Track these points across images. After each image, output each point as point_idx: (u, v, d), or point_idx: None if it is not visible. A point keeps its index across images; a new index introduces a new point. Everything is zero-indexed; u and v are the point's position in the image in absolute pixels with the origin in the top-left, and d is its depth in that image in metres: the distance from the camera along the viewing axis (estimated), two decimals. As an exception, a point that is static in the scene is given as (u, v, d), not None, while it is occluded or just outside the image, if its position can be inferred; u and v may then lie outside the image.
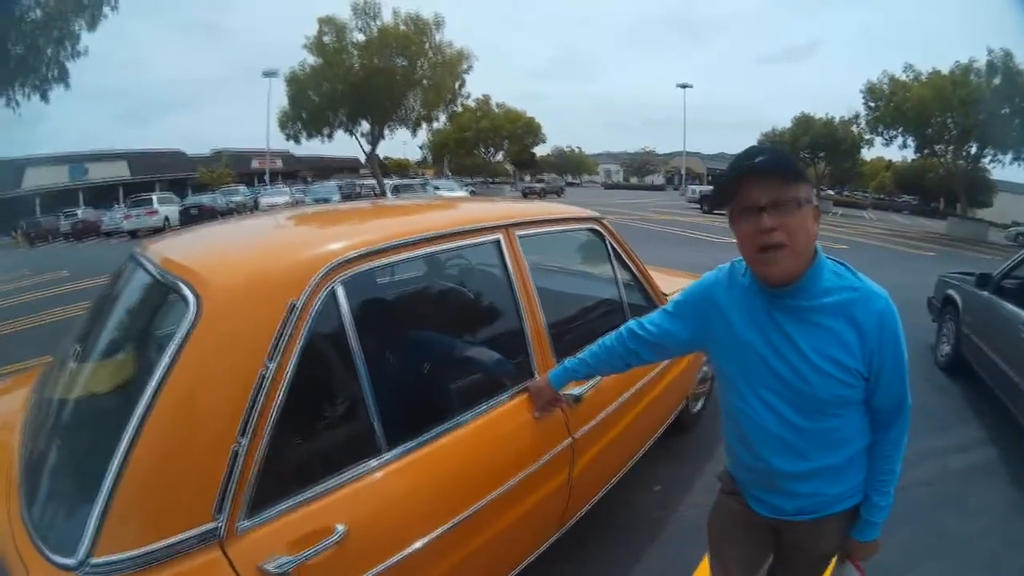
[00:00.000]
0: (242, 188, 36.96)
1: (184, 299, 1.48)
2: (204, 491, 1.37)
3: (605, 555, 2.77)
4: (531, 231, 2.41)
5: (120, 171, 43.38)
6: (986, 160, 30.09)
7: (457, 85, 38.81)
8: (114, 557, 1.27)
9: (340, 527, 1.48)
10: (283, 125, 37.26)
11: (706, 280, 1.64)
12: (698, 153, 62.55)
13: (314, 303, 1.60)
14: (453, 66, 37.47)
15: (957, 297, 5.51)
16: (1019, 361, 3.92)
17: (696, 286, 1.66)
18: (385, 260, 1.85)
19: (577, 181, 57.69)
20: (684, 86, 53.74)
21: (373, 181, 38.61)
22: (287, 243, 2.03)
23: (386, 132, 38.86)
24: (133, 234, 24.73)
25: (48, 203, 35.28)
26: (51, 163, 38.75)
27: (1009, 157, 28.31)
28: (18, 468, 1.73)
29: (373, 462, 1.67)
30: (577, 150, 60.84)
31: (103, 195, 38.41)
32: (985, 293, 4.87)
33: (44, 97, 21.78)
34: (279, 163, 48.85)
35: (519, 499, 2.01)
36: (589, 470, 2.37)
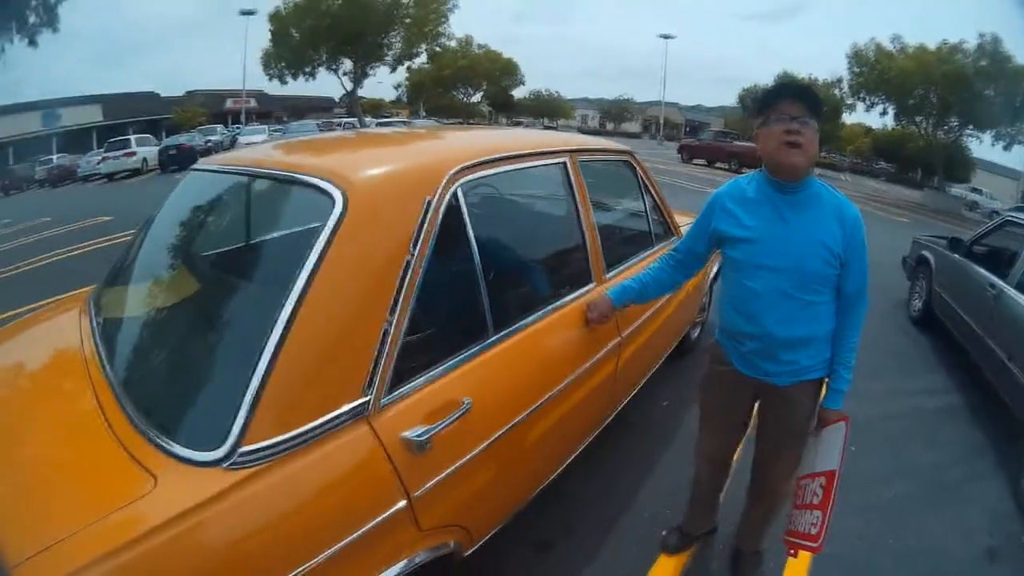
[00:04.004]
0: (219, 127, 35.92)
1: (328, 195, 1.62)
2: (356, 368, 1.54)
3: (628, 452, 3.31)
4: (586, 158, 2.78)
5: (94, 115, 41.54)
6: (966, 136, 30.56)
7: (438, 24, 38.14)
8: (265, 442, 1.38)
9: (467, 400, 1.76)
10: (267, 64, 36.34)
11: (712, 197, 2.11)
12: (676, 104, 62.03)
13: (444, 201, 1.82)
14: (435, 4, 36.79)
15: (931, 258, 5.92)
16: (984, 318, 4.35)
17: (705, 208, 2.14)
18: (493, 170, 2.13)
19: (554, 125, 57.18)
20: (666, 37, 52.88)
21: (348, 120, 37.75)
22: (412, 151, 2.31)
23: (368, 71, 38.18)
24: (110, 176, 24.31)
25: (21, 151, 33.92)
26: (22, 110, 36.76)
27: (988, 136, 28.86)
28: (111, 384, 1.74)
29: (485, 343, 1.96)
30: (556, 94, 59.84)
31: (77, 140, 36.63)
32: (957, 256, 5.29)
33: (32, 42, 21.02)
34: (253, 103, 47.54)
35: (585, 381, 2.41)
36: (627, 366, 2.82)
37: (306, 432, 1.45)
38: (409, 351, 1.67)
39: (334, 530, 1.46)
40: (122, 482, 1.35)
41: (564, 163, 2.61)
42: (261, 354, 1.41)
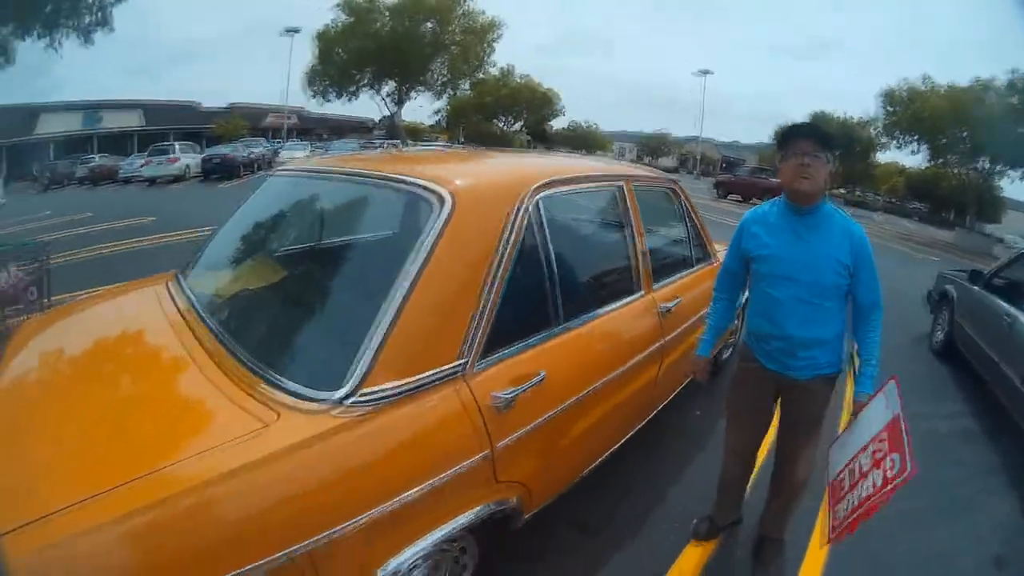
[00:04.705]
0: (262, 141, 36.53)
1: (440, 196, 1.99)
2: (458, 334, 1.90)
3: (664, 454, 3.59)
4: (640, 184, 3.16)
5: (134, 120, 42.76)
6: (996, 175, 30.50)
7: (484, 53, 39.12)
8: (382, 387, 1.70)
9: (542, 372, 2.11)
10: (311, 82, 37.29)
11: (741, 222, 2.47)
12: (712, 139, 62.04)
13: (527, 209, 2.21)
14: (483, 33, 37.78)
15: (952, 291, 6.10)
16: (1001, 347, 4.56)
17: (735, 232, 2.49)
18: (566, 188, 2.54)
19: (591, 157, 57.18)
20: (704, 72, 53.15)
21: (390, 142, 38.05)
22: (501, 168, 2.73)
23: (412, 95, 39.07)
24: (152, 181, 24.71)
25: (61, 149, 35.00)
26: (65, 110, 38.17)
27: (1020, 173, 28.80)
28: (225, 341, 2.05)
29: (556, 329, 2.32)
30: (594, 126, 59.71)
31: (116, 143, 37.95)
32: (976, 288, 5.47)
33: (88, 40, 21.62)
34: (294, 119, 48.62)
35: (633, 374, 2.76)
36: (668, 368, 3.15)
37: (415, 382, 1.78)
38: (497, 327, 2.01)
39: (430, 468, 1.78)
40: (249, 416, 1.63)
41: (621, 187, 3.00)
42: (384, 315, 1.76)
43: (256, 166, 28.61)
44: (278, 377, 1.76)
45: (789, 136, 2.19)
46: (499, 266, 2.02)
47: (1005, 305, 4.72)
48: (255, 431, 1.56)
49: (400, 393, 1.74)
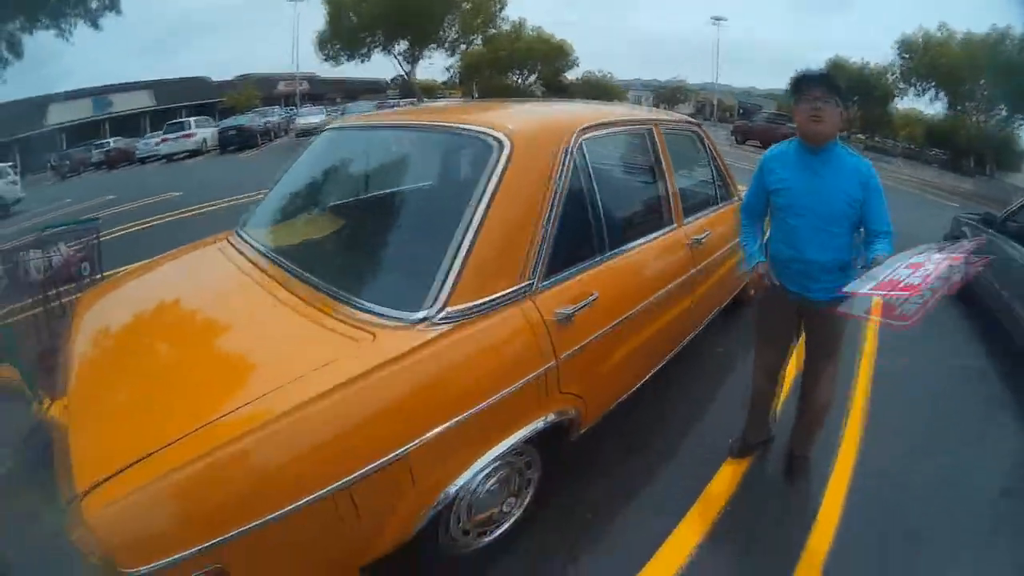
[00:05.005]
0: (276, 109, 36.50)
1: (499, 140, 2.26)
2: (523, 259, 2.18)
3: (691, 387, 3.87)
4: (666, 128, 3.40)
5: (145, 100, 42.76)
6: (1015, 125, 30.06)
7: (496, 9, 38.86)
8: (464, 305, 1.99)
9: (595, 293, 2.40)
10: (321, 46, 37.03)
11: (762, 160, 2.70)
12: (728, 87, 60.83)
13: (573, 149, 2.49)
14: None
15: (968, 233, 6.20)
16: (1013, 288, 4.78)
17: (757, 169, 2.71)
18: (604, 131, 2.82)
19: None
20: (717, 19, 52.48)
21: (406, 100, 37.77)
22: (547, 115, 2.96)
23: (425, 53, 38.78)
24: (169, 157, 24.74)
25: (73, 137, 34.95)
26: (73, 98, 38.40)
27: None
28: (309, 279, 2.30)
29: (603, 256, 2.60)
30: (608, 75, 58.53)
31: (129, 125, 37.98)
32: (990, 230, 5.61)
33: (96, 25, 21.39)
34: (305, 85, 48.24)
35: (671, 301, 3.05)
36: (699, 300, 3.43)
37: (491, 300, 2.07)
38: (554, 253, 2.29)
39: (507, 376, 2.08)
40: (350, 338, 1.90)
41: (651, 130, 3.24)
42: (460, 244, 2.04)
43: (272, 134, 28.55)
44: (367, 303, 2.03)
45: (801, 83, 2.40)
46: (553, 200, 2.29)
47: (1017, 247, 4.89)
48: (360, 347, 1.84)
49: (479, 310, 2.03)
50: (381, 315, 1.97)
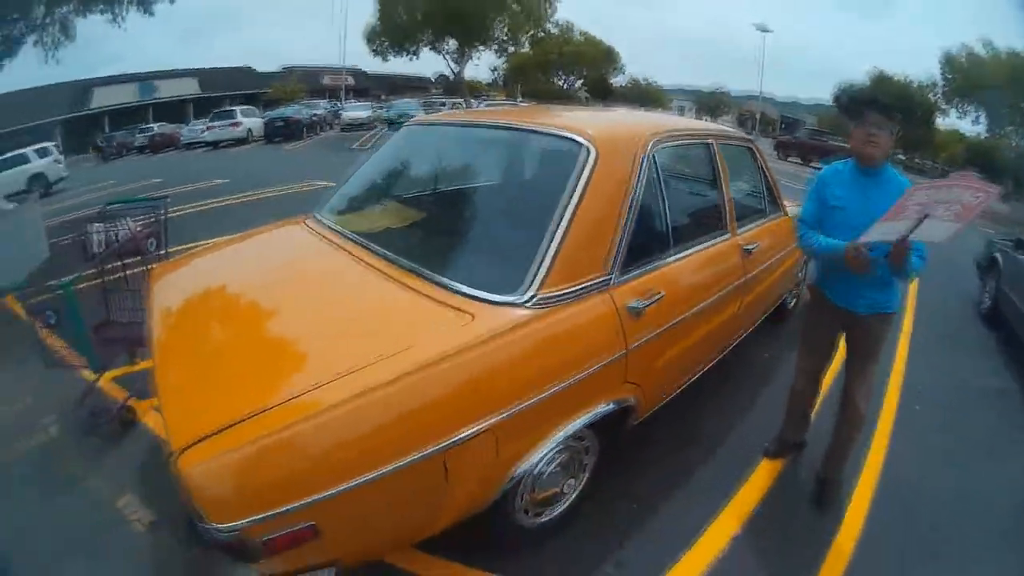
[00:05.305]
0: (322, 103, 37.36)
1: (584, 146, 2.50)
2: (605, 253, 2.40)
3: (736, 389, 4.14)
4: (724, 142, 3.62)
5: (190, 88, 43.24)
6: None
7: (547, 9, 38.86)
8: (555, 291, 2.21)
9: (662, 291, 2.62)
10: (370, 40, 37.26)
11: (819, 177, 2.88)
12: (772, 98, 59.71)
13: (646, 157, 2.70)
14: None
15: (999, 258, 6.26)
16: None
17: (815, 185, 2.87)
18: (673, 142, 3.02)
19: (653, 116, 55.22)
20: (763, 30, 50.74)
21: (454, 100, 38.36)
22: (624, 123, 3.24)
23: (473, 54, 38.79)
24: (215, 145, 25.19)
25: (117, 121, 35.58)
26: (119, 82, 38.80)
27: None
28: (402, 259, 2.48)
29: (669, 257, 2.84)
30: (653, 83, 57.62)
31: (173, 112, 38.14)
32: (1021, 255, 5.73)
33: (149, 11, 21.65)
34: (350, 80, 48.68)
35: (724, 305, 3.26)
36: (747, 307, 3.65)
37: (577, 289, 2.30)
38: (630, 251, 2.51)
39: (587, 358, 2.29)
40: (453, 315, 2.10)
41: (711, 143, 3.46)
42: (553, 235, 2.28)
43: (318, 128, 28.91)
44: (467, 287, 2.22)
45: (862, 106, 2.62)
46: (630, 201, 2.52)
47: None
48: (464, 323, 2.05)
49: (567, 297, 2.26)
50: (479, 297, 2.17)
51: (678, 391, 3.21)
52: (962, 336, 5.92)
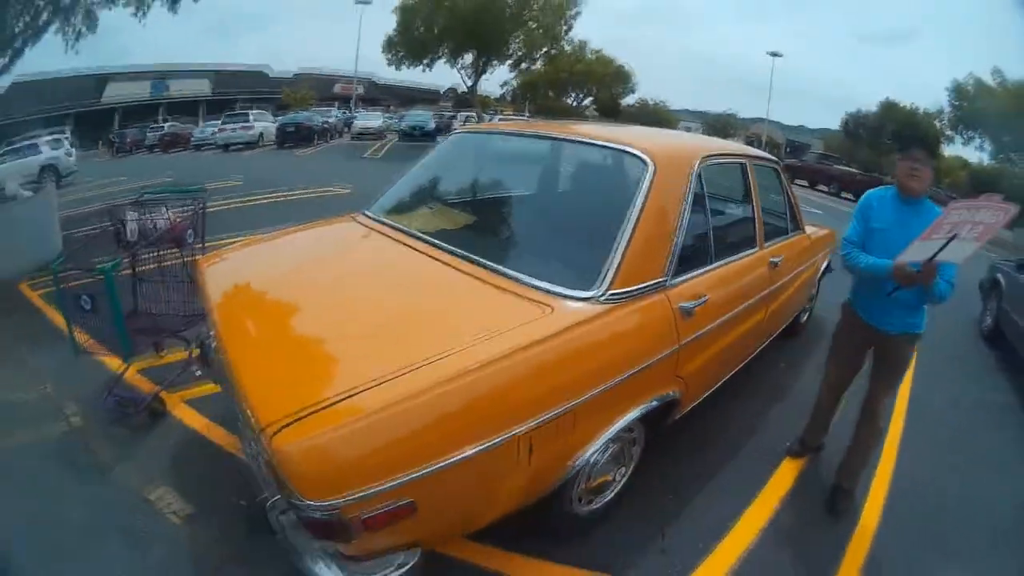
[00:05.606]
0: (334, 110, 37.58)
1: (644, 161, 2.72)
2: (663, 257, 2.61)
3: (754, 397, 4.32)
4: (756, 163, 3.86)
5: (201, 88, 43.58)
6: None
7: (563, 29, 39.38)
8: (623, 288, 2.41)
9: (706, 295, 2.82)
10: (387, 49, 37.68)
11: (864, 201, 3.06)
12: (779, 122, 59.68)
13: (697, 173, 2.92)
14: (562, 10, 37.93)
15: (1002, 279, 6.45)
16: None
17: (860, 208, 3.04)
18: (717, 161, 3.27)
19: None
20: (774, 55, 50.36)
21: (465, 113, 38.96)
22: (677, 141, 3.62)
23: (489, 68, 39.37)
24: (225, 147, 25.22)
25: (128, 117, 35.81)
26: (132, 78, 38.93)
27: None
28: (483, 262, 2.63)
29: (712, 265, 3.05)
30: (662, 103, 57.69)
31: (184, 111, 38.53)
32: (1022, 277, 5.91)
33: (173, 8, 21.71)
34: (361, 89, 48.90)
35: (753, 312, 3.49)
36: (770, 316, 3.90)
37: (643, 288, 2.50)
38: (681, 257, 2.70)
39: (648, 351, 2.50)
40: (534, 308, 2.27)
41: (746, 164, 3.72)
42: (621, 239, 2.49)
43: (329, 135, 29.09)
44: (544, 283, 2.41)
45: (908, 141, 2.87)
46: (683, 212, 2.74)
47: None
48: (544, 315, 2.23)
49: (634, 295, 2.46)
50: (556, 292, 2.36)
51: (710, 391, 3.40)
52: (965, 356, 6.09)
